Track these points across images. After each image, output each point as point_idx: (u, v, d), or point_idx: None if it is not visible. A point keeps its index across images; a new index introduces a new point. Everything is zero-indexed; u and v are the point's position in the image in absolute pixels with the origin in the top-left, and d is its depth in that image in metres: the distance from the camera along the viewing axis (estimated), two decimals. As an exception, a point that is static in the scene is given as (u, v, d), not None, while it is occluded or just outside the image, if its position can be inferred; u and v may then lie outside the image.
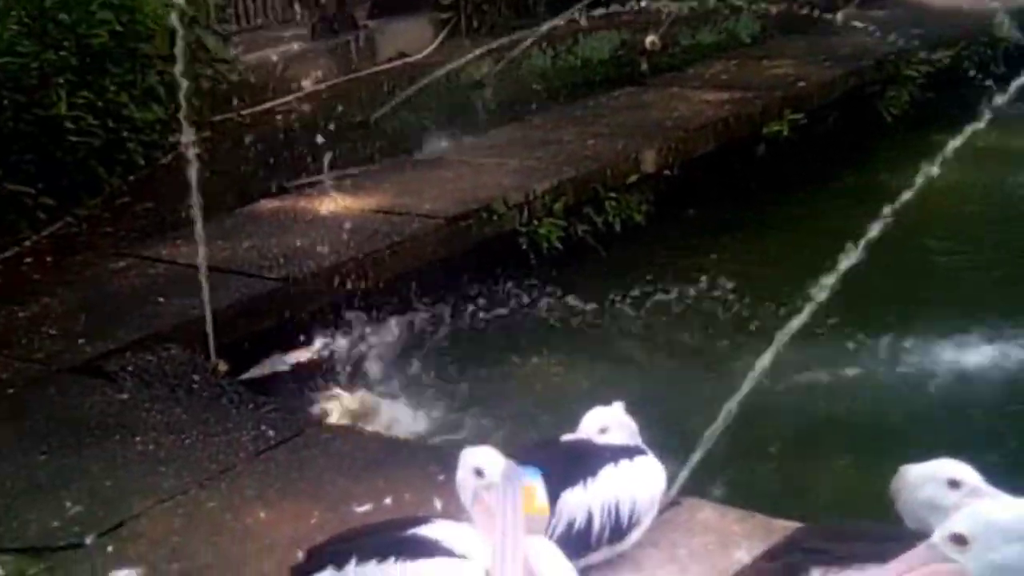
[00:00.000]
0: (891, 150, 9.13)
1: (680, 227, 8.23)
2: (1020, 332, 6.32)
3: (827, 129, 9.69)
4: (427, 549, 3.10)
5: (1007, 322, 6.41)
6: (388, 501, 4.31)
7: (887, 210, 4.87)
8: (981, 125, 5.74)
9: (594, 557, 3.81)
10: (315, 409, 5.92)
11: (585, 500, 3.81)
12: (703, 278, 7.13)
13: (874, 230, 4.87)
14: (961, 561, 2.20)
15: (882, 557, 3.14)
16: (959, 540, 2.21)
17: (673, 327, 6.79)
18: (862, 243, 4.77)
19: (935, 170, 5.17)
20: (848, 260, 4.75)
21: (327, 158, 7.90)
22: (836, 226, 6.16)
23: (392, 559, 3.09)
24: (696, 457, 4.44)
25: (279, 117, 10.07)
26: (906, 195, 5.09)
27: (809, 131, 9.31)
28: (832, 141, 9.58)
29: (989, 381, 5.98)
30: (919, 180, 5.34)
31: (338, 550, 3.21)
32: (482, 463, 3.20)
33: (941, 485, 3.22)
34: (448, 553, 3.09)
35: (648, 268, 7.52)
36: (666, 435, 4.77)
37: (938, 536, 2.25)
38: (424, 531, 3.17)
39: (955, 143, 5.26)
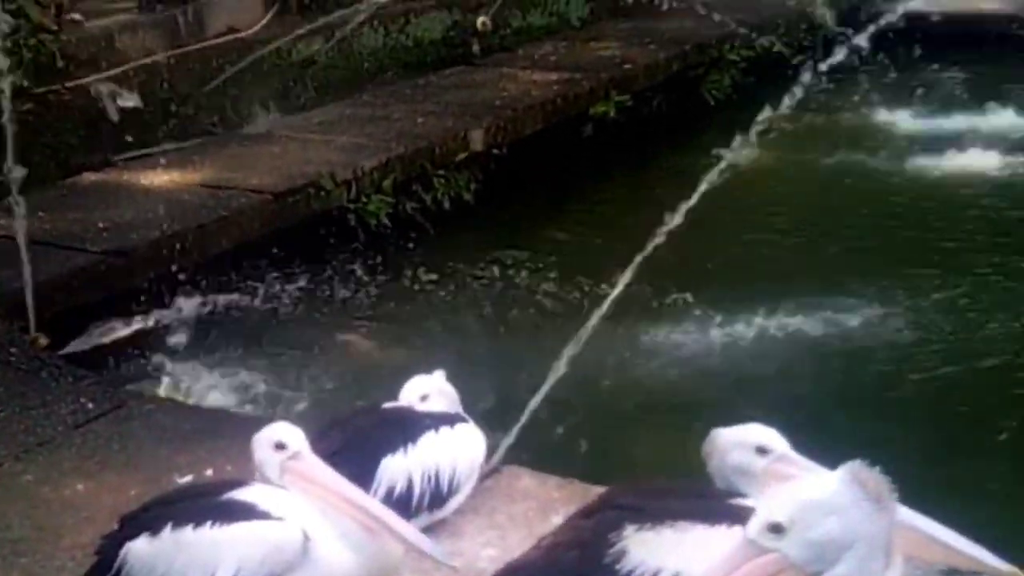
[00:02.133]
0: (713, 132, 9.31)
1: (508, 205, 8.30)
2: (825, 302, 6.55)
3: (652, 111, 9.89)
4: (243, 512, 3.11)
5: (813, 293, 6.65)
6: (210, 472, 4.30)
7: (703, 189, 5.01)
8: (791, 109, 5.94)
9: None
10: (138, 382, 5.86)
11: (405, 466, 3.87)
12: (529, 255, 7.25)
13: (691, 208, 5.01)
14: (781, 548, 2.20)
15: (695, 514, 3.27)
16: (776, 528, 2.21)
17: (498, 302, 6.88)
18: (676, 220, 4.90)
19: (743, 152, 5.33)
20: (662, 237, 4.88)
21: (154, 132, 7.78)
22: (657, 205, 6.33)
23: (208, 524, 3.09)
24: (518, 426, 4.52)
25: (104, 90, 9.85)
26: (722, 176, 5.26)
27: (635, 113, 9.49)
28: (657, 123, 9.78)
29: (795, 349, 6.19)
30: (734, 161, 5.53)
31: (153, 516, 3.18)
32: (281, 436, 3.24)
33: (749, 451, 3.35)
34: (265, 516, 3.10)
35: (476, 245, 7.62)
36: (488, 404, 4.88)
37: (754, 530, 2.24)
38: (240, 495, 3.17)
39: (767, 126, 5.44)
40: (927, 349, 6.17)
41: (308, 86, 10.00)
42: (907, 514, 3.12)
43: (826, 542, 2.20)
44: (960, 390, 5.80)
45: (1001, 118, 9.65)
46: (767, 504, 2.28)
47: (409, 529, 3.32)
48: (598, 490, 3.94)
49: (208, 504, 3.18)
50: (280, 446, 3.22)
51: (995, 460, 5.20)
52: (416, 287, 7.09)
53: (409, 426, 3.97)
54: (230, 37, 11.68)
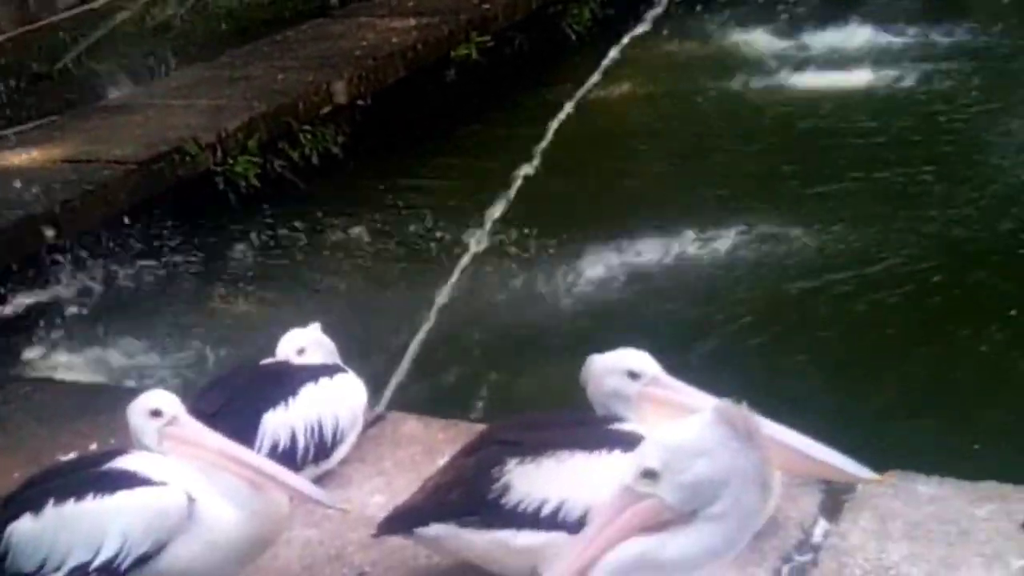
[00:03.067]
0: (575, 67, 9.36)
1: (377, 156, 8.27)
2: (687, 230, 6.63)
3: (514, 50, 9.89)
4: (125, 481, 3.11)
5: (676, 222, 6.73)
6: (94, 446, 4.27)
7: (560, 124, 5.06)
8: (650, 38, 5.99)
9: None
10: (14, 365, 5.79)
11: (287, 420, 3.89)
12: (399, 203, 7.26)
13: (552, 145, 5.07)
14: (657, 493, 2.25)
15: (574, 442, 3.34)
16: (651, 474, 2.25)
17: (371, 252, 6.90)
18: (539, 159, 4.95)
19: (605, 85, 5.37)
20: (527, 176, 4.92)
21: (10, 112, 7.64)
22: (523, 144, 6.39)
23: (90, 496, 3.10)
24: (399, 372, 4.56)
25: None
26: (583, 111, 5.31)
27: (497, 53, 9.49)
28: (520, 61, 9.79)
29: (660, 278, 6.28)
30: (593, 93, 5.59)
31: (34, 494, 3.18)
32: (156, 403, 3.25)
33: (623, 375, 3.42)
34: (146, 482, 3.11)
35: (347, 198, 7.61)
36: (367, 353, 4.91)
37: (630, 478, 2.28)
38: (120, 464, 3.17)
39: (621, 56, 5.50)
40: (800, 269, 6.28)
41: (166, 52, 9.87)
42: (774, 428, 3.23)
43: (699, 483, 2.25)
44: (833, 307, 5.92)
45: (860, 34, 9.75)
46: (640, 451, 2.32)
47: (295, 478, 3.36)
48: (481, 428, 4.01)
49: (88, 476, 3.17)
50: (156, 413, 3.23)
51: (872, 374, 5.32)
52: (288, 244, 7.07)
53: (288, 380, 3.99)
54: (82, 8, 11.49)
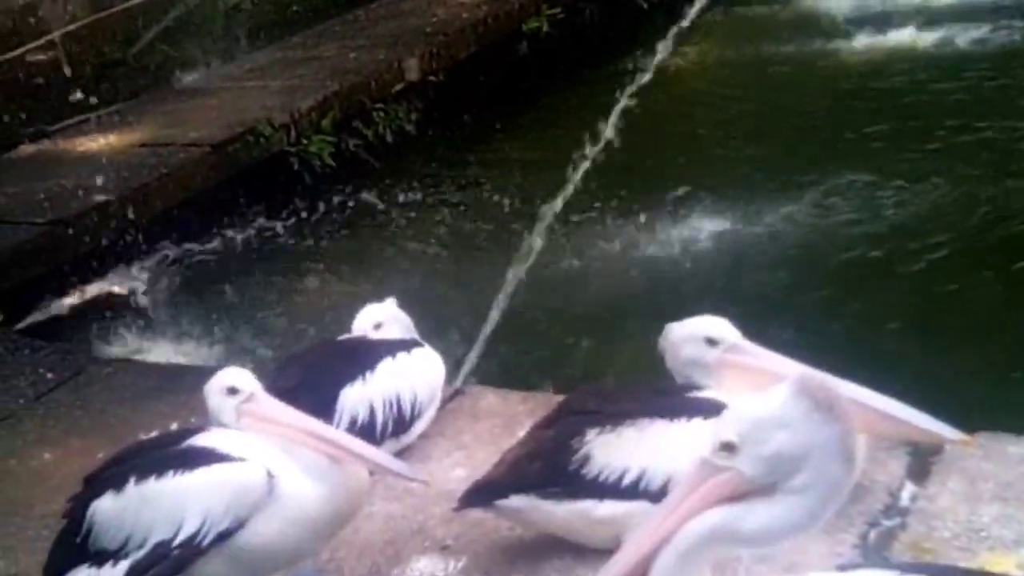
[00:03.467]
0: (646, 36, 9.28)
1: (451, 132, 8.28)
2: (765, 195, 6.57)
3: (585, 21, 9.82)
4: (204, 458, 3.11)
5: (754, 188, 6.66)
6: (174, 426, 4.30)
7: (632, 94, 4.99)
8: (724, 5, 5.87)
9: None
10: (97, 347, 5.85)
11: (365, 395, 3.89)
12: (474, 178, 7.25)
13: (626, 114, 5.01)
14: (735, 466, 2.22)
15: (653, 411, 3.31)
16: (729, 447, 2.22)
17: (448, 227, 6.90)
18: (613, 129, 4.89)
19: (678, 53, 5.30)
20: (601, 145, 4.87)
21: (87, 98, 7.70)
22: (596, 115, 6.33)
23: (171, 473, 3.09)
24: (477, 346, 4.54)
25: (33, 60, 9.73)
26: (651, 78, 5.24)
27: (568, 24, 9.43)
28: (591, 32, 9.72)
29: (739, 244, 6.22)
30: (665, 62, 5.52)
31: (115, 473, 3.18)
32: (233, 381, 3.24)
33: (700, 343, 3.38)
34: (226, 459, 3.10)
35: (420, 175, 7.62)
36: (445, 328, 4.89)
37: (708, 450, 2.24)
38: (198, 441, 3.17)
39: (692, 24, 5.42)
40: (881, 233, 6.18)
41: (238, 34, 9.91)
42: (859, 392, 3.17)
43: (778, 456, 2.21)
44: (917, 270, 5.83)
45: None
46: (719, 423, 2.28)
47: (374, 451, 3.35)
48: (560, 399, 3.98)
49: (168, 454, 3.18)
50: (233, 391, 3.22)
51: (957, 336, 5.23)
52: (364, 222, 7.08)
53: (365, 355, 3.98)
54: (154, -7, 11.57)
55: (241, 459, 3.11)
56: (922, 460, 3.51)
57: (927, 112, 7.51)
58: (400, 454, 3.89)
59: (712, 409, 3.27)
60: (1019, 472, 3.39)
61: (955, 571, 2.53)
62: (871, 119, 7.47)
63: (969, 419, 3.18)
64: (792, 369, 3.29)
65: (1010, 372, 4.75)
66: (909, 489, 3.41)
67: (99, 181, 6.71)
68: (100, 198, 6.57)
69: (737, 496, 2.24)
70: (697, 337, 3.38)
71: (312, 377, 3.85)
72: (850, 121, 7.57)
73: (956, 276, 5.63)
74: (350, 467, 3.21)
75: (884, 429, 3.20)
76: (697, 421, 3.28)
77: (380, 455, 3.36)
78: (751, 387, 3.31)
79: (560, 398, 3.86)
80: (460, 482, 3.64)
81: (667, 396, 3.41)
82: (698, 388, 3.39)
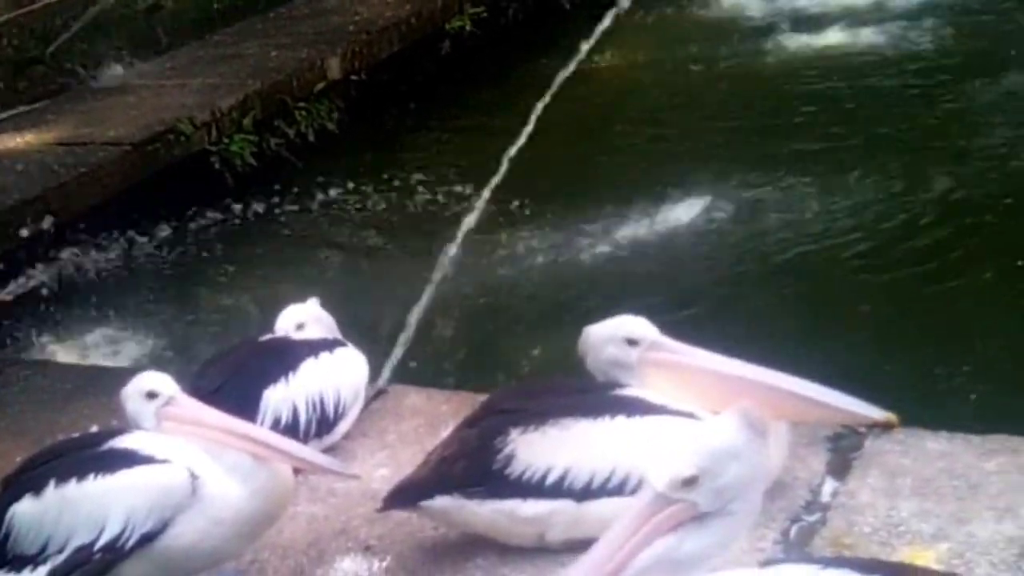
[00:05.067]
0: (569, 36, 9.31)
1: (374, 131, 8.24)
2: (682, 195, 6.60)
3: (509, 20, 9.82)
4: (126, 460, 3.08)
5: (670, 188, 6.69)
6: (95, 428, 4.24)
7: (553, 93, 5.01)
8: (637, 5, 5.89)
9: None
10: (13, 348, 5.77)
11: (288, 395, 3.87)
12: (396, 177, 7.23)
13: (547, 114, 5.02)
14: (692, 498, 2.25)
15: (577, 409, 3.32)
16: (689, 482, 2.24)
17: (368, 226, 6.88)
18: (532, 128, 4.91)
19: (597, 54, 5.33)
20: (522, 145, 4.88)
21: (4, 96, 7.60)
22: (517, 115, 6.36)
23: (92, 475, 3.06)
24: (399, 346, 4.53)
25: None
26: (572, 78, 5.26)
27: (492, 24, 9.42)
28: (515, 32, 9.72)
29: (655, 244, 6.24)
30: (586, 62, 5.54)
31: (33, 476, 3.15)
32: (151, 385, 3.22)
33: (621, 343, 3.39)
34: (148, 460, 3.08)
35: (344, 173, 7.57)
36: (368, 327, 4.87)
37: (664, 485, 2.25)
38: (120, 443, 3.14)
39: (614, 24, 5.45)
40: (795, 230, 6.25)
41: (158, 33, 9.81)
42: (781, 378, 3.22)
43: (731, 486, 2.27)
44: (833, 264, 5.90)
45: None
46: (672, 459, 2.29)
47: (302, 448, 3.35)
48: (484, 398, 3.98)
49: (89, 456, 3.14)
50: (152, 395, 3.20)
51: (874, 331, 5.30)
52: (285, 221, 7.05)
53: (288, 355, 3.97)
54: (72, -9, 11.41)
55: (164, 460, 3.09)
56: (842, 456, 3.56)
57: (853, 111, 7.61)
58: (324, 454, 3.87)
59: (635, 406, 3.31)
60: (937, 467, 3.44)
61: (876, 564, 2.56)
62: (797, 117, 7.55)
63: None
64: (712, 363, 3.34)
65: (929, 368, 4.83)
66: (830, 485, 3.45)
67: (15, 181, 6.61)
68: (16, 196, 6.46)
69: (679, 526, 2.28)
70: (617, 338, 3.40)
71: (234, 378, 3.83)
72: (776, 120, 7.65)
73: (880, 273, 5.71)
74: (275, 467, 3.19)
75: (809, 414, 3.25)
76: (620, 419, 3.30)
77: (308, 451, 3.36)
78: (674, 383, 3.36)
79: (483, 397, 3.86)
80: (384, 482, 3.64)
81: (590, 394, 3.42)
82: (621, 386, 3.40)
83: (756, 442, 2.30)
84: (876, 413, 3.18)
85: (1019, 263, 5.46)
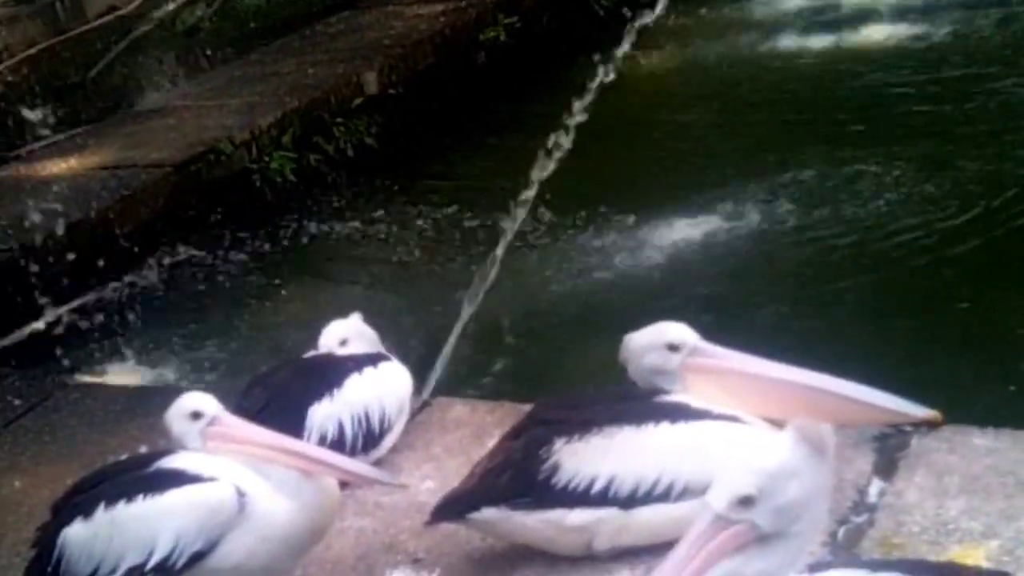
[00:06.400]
0: (603, 42, 9.31)
1: (412, 143, 8.26)
2: (724, 200, 6.60)
3: (543, 29, 9.84)
4: (174, 480, 3.11)
5: (712, 192, 6.68)
6: (144, 449, 4.27)
7: (590, 100, 5.01)
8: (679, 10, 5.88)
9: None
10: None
11: (334, 411, 3.88)
12: (437, 189, 7.25)
13: (582, 120, 5.02)
14: (751, 519, 2.23)
15: (620, 418, 3.32)
16: (747, 502, 2.23)
17: (411, 240, 6.89)
18: (571, 134, 4.91)
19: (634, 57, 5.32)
20: (561, 153, 4.88)
21: (45, 123, 7.69)
22: (555, 121, 6.34)
23: (141, 496, 3.09)
24: (443, 358, 4.54)
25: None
26: (608, 84, 5.25)
27: (526, 33, 9.44)
28: (549, 40, 9.73)
29: (697, 249, 6.23)
30: (622, 66, 5.53)
31: (84, 499, 3.17)
32: (196, 405, 3.24)
33: (662, 350, 3.38)
34: (196, 479, 3.10)
35: (384, 188, 7.61)
36: (411, 341, 4.89)
37: (722, 505, 2.24)
38: (167, 463, 3.17)
39: (648, 28, 5.44)
40: (840, 230, 6.22)
41: (196, 54, 9.90)
42: (826, 380, 3.20)
43: (791, 505, 2.25)
44: (878, 263, 5.87)
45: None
46: (731, 478, 2.29)
47: (348, 461, 3.37)
48: (528, 408, 3.98)
49: (137, 477, 3.17)
50: (196, 415, 3.22)
51: (921, 329, 5.27)
52: (327, 237, 7.09)
53: (332, 372, 3.98)
54: (111, 16, 11.52)
55: (211, 479, 3.11)
56: (889, 456, 3.54)
57: (893, 107, 7.56)
58: (371, 468, 3.90)
59: (679, 412, 3.31)
60: (985, 464, 3.42)
61: (925, 565, 2.55)
62: (837, 115, 7.52)
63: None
64: (755, 367, 3.33)
65: (974, 365, 4.79)
66: (877, 485, 3.43)
67: (60, 206, 6.67)
68: (62, 223, 6.52)
69: (742, 547, 2.26)
70: (658, 344, 3.38)
71: (279, 397, 3.85)
72: (804, 118, 7.62)
73: (920, 270, 5.67)
74: (321, 482, 3.21)
75: (853, 415, 3.23)
76: (665, 425, 3.30)
77: (354, 464, 3.38)
78: (717, 388, 3.35)
79: (527, 407, 3.87)
80: (431, 494, 3.65)
81: (633, 402, 3.42)
82: (663, 392, 3.40)
83: (816, 459, 2.28)
84: (921, 411, 3.16)
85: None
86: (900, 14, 9.13)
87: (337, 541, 3.58)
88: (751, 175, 6.80)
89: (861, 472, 3.49)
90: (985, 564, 3.02)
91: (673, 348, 3.36)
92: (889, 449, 3.56)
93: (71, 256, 6.43)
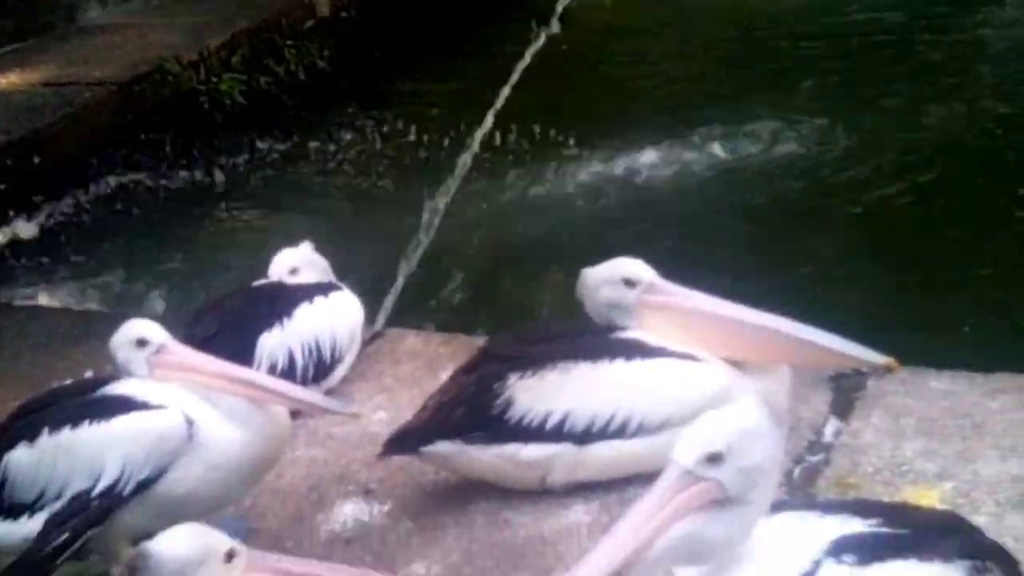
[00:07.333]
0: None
1: (364, 69, 8.14)
2: (676, 135, 6.55)
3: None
4: (122, 406, 3.04)
5: (665, 128, 6.62)
6: (90, 373, 4.19)
7: (547, 31, 4.93)
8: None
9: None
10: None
11: (284, 340, 3.83)
12: (388, 115, 7.15)
13: (538, 50, 4.95)
14: (717, 477, 2.23)
15: (576, 353, 3.29)
16: (715, 458, 2.22)
17: (362, 165, 6.81)
18: (527, 62, 4.83)
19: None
20: (515, 81, 4.81)
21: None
22: (511, 50, 6.27)
23: (87, 422, 3.02)
24: (395, 289, 4.48)
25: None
26: (565, 14, 5.17)
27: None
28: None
29: (659, 184, 6.18)
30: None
31: (28, 423, 3.10)
32: (141, 332, 3.15)
33: (618, 285, 3.35)
34: (144, 406, 3.03)
35: (335, 112, 7.49)
36: (362, 270, 4.82)
37: (691, 461, 2.23)
38: (114, 390, 3.09)
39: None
40: (792, 168, 6.20)
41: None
42: (781, 322, 3.18)
43: (754, 468, 2.25)
44: (831, 204, 5.86)
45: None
46: (699, 435, 2.27)
47: (299, 389, 3.31)
48: (482, 341, 3.94)
49: (84, 403, 3.09)
50: (142, 342, 3.14)
51: (876, 272, 5.26)
52: (277, 162, 6.98)
53: (282, 300, 3.92)
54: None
55: (159, 406, 3.04)
56: (846, 396, 3.53)
57: (849, 49, 7.54)
58: (322, 396, 3.84)
59: (634, 348, 3.28)
60: (941, 407, 3.42)
61: (877, 507, 2.54)
62: (790, 55, 7.49)
63: (891, 354, 3.19)
64: (711, 306, 3.31)
65: (932, 307, 4.79)
66: (833, 425, 3.43)
67: (1, 123, 6.53)
68: (3, 139, 6.38)
69: (703, 507, 2.26)
70: (614, 279, 3.35)
71: (229, 325, 3.79)
72: (770, 57, 7.58)
73: (878, 214, 5.67)
74: (271, 411, 3.15)
75: (810, 358, 3.21)
76: (620, 362, 3.27)
77: (304, 392, 3.32)
78: (672, 325, 3.33)
79: (481, 340, 3.83)
80: (383, 425, 3.62)
81: (588, 337, 3.39)
82: (619, 329, 3.36)
83: (775, 426, 2.31)
84: (876, 357, 3.15)
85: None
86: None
87: (288, 471, 3.53)
88: (714, 111, 6.78)
89: (817, 411, 3.49)
90: (939, 506, 3.03)
91: (629, 284, 3.33)
92: (846, 389, 3.56)
93: (9, 173, 6.28)
